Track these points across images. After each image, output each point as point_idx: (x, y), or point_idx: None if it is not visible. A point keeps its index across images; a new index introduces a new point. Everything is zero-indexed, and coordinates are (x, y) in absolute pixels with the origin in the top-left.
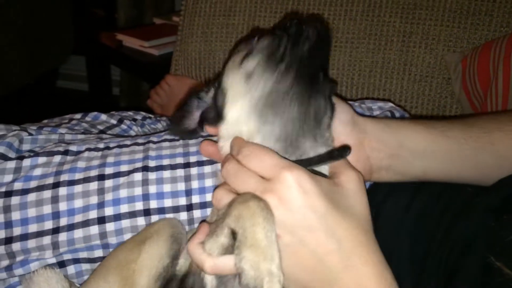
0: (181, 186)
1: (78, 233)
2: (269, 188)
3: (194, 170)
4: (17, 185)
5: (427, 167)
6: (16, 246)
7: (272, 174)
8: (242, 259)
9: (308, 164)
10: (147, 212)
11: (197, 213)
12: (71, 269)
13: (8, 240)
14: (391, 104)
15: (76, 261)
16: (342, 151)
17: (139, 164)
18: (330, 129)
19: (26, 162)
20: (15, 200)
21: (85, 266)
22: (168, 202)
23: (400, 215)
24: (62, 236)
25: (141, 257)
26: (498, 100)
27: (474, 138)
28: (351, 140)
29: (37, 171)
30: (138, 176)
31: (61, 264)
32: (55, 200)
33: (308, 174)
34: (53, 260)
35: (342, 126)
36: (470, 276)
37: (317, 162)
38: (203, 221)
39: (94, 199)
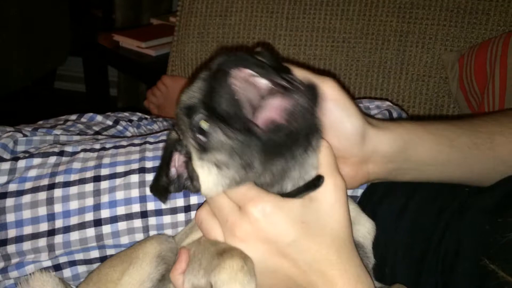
0: None
1: (74, 235)
2: (236, 223)
3: None
4: (12, 187)
5: (428, 175)
6: (11, 248)
7: (241, 203)
8: None
9: (288, 196)
10: (144, 214)
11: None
12: (67, 272)
13: (3, 242)
14: (388, 103)
15: (72, 263)
16: (316, 182)
17: (135, 166)
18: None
19: (21, 163)
20: (9, 202)
21: (82, 268)
22: (165, 204)
23: (395, 216)
24: (58, 239)
25: (123, 279)
26: (495, 100)
27: (477, 145)
28: (356, 157)
29: (32, 172)
30: (134, 178)
31: (57, 267)
32: (50, 201)
33: (273, 204)
34: (49, 263)
35: (350, 143)
36: (465, 279)
37: (295, 194)
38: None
39: (90, 201)
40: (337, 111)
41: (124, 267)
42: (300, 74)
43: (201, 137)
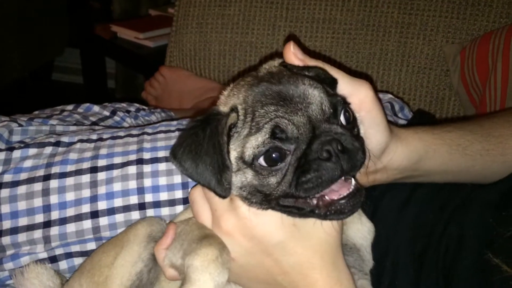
0: (178, 179)
1: (71, 227)
2: (223, 215)
3: None
4: (7, 177)
5: (434, 179)
6: (5, 239)
7: (233, 196)
8: None
9: None
10: (142, 206)
11: None
12: (63, 264)
13: None
14: (390, 96)
15: (68, 255)
16: None
17: (133, 157)
18: None
19: (16, 154)
20: (4, 192)
21: (78, 261)
22: (164, 196)
23: (397, 211)
24: (54, 230)
25: (116, 263)
26: (497, 93)
27: (489, 151)
28: (369, 169)
29: (28, 163)
30: (132, 169)
31: (53, 259)
32: (46, 193)
33: None
34: (45, 255)
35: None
36: (468, 273)
37: None
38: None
39: (86, 192)
40: (366, 123)
41: (116, 251)
42: (338, 76)
43: (262, 159)
